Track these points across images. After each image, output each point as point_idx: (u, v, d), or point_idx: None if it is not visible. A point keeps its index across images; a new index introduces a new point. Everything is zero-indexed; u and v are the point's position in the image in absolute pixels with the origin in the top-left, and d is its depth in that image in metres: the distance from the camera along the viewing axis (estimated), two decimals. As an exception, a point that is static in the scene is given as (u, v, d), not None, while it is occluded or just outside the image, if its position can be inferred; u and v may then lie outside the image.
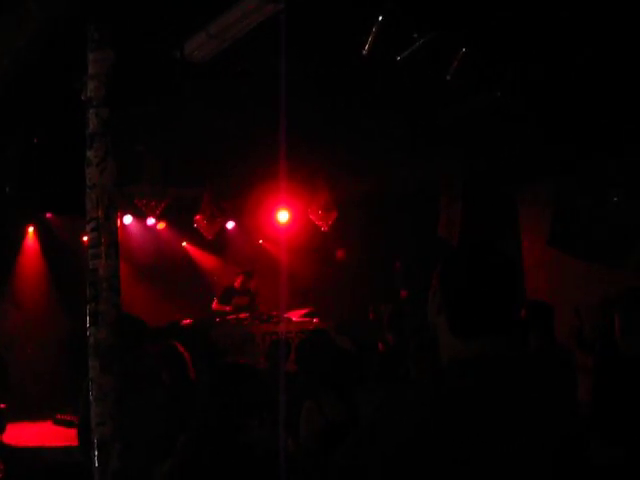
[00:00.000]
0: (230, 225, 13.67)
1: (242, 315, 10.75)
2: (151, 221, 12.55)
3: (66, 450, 6.89)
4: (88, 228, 2.74)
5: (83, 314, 2.84)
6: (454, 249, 2.07)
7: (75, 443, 6.61)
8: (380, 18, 5.71)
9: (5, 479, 6.12)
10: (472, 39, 5.97)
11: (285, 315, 10.78)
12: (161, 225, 13.23)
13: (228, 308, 11.21)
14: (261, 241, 14.14)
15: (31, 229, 12.08)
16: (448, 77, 6.34)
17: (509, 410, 1.94)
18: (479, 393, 1.95)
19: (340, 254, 12.15)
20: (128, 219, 12.36)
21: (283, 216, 12.22)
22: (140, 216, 12.25)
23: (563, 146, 8.59)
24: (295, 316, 11.00)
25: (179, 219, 12.91)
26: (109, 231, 2.72)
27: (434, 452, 1.86)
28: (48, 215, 11.81)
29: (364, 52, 5.89)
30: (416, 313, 10.14)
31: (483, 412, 1.92)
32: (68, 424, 8.16)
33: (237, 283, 11.71)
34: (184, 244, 14.19)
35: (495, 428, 1.90)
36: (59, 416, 8.75)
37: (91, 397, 2.75)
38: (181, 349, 5.65)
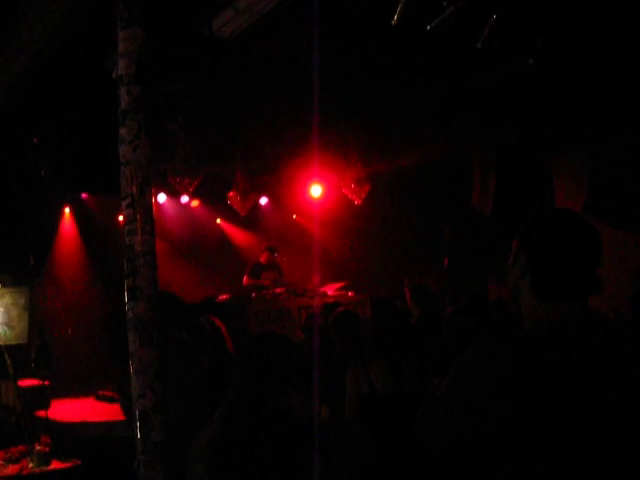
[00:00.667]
0: (263, 201, 13.71)
1: (278, 290, 10.82)
2: (185, 199, 12.63)
3: (108, 425, 7.03)
4: (123, 204, 2.78)
5: (121, 293, 2.88)
6: (536, 214, 2.07)
7: (116, 418, 6.76)
8: (409, -13, 5.67)
9: (52, 453, 6.25)
10: (503, 5, 5.89)
11: (320, 289, 10.82)
12: (195, 203, 13.31)
13: (258, 282, 11.31)
14: (295, 216, 14.17)
15: (67, 210, 12.22)
16: (479, 45, 6.26)
17: (596, 368, 1.99)
18: (565, 352, 2.00)
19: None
20: (162, 198, 12.46)
21: (316, 190, 12.21)
22: (174, 194, 12.32)
23: (598, 114, 8.47)
24: (330, 290, 11.03)
25: (213, 196, 12.96)
26: (144, 207, 2.75)
27: (524, 404, 1.94)
28: (84, 196, 11.94)
29: (393, 22, 5.84)
30: (456, 280, 10.18)
31: (571, 370, 1.98)
32: (109, 400, 8.30)
33: (263, 258, 11.81)
34: (218, 221, 14.26)
35: (585, 386, 1.96)
36: (100, 392, 8.89)
37: (131, 370, 2.80)
38: (219, 324, 5.71)
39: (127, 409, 5.19)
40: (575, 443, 1.93)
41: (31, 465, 6.29)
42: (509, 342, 2.12)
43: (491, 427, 2.00)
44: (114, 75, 2.84)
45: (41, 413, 7.15)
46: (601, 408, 1.95)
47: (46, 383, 7.89)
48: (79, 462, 6.26)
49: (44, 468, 6.21)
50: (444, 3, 5.80)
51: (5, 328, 9.53)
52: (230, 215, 13.25)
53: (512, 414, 1.96)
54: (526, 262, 2.14)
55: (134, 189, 2.74)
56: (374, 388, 4.76)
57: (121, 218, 2.94)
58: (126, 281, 2.77)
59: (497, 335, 2.23)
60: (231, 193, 11.82)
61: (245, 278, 11.65)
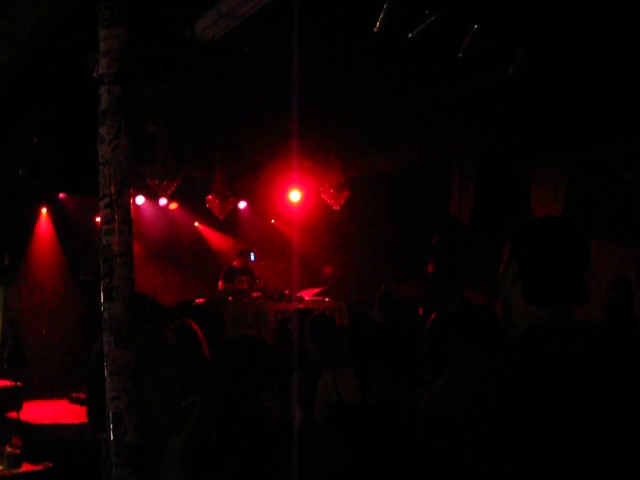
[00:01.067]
0: (242, 205, 13.69)
1: (255, 294, 10.80)
2: (163, 201, 12.58)
3: (80, 427, 6.98)
4: (101, 204, 2.76)
5: (96, 294, 2.86)
6: (527, 222, 2.14)
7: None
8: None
9: (23, 455, 6.20)
10: (484, 15, 5.93)
11: (297, 294, 10.82)
12: (173, 205, 13.25)
13: (234, 287, 11.27)
14: (273, 221, 14.16)
15: (44, 210, 12.14)
16: (460, 54, 6.30)
17: (588, 372, 2.04)
18: (557, 356, 2.05)
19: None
20: (140, 200, 12.41)
21: (295, 195, 12.22)
22: (152, 197, 12.28)
23: (575, 124, 8.55)
24: (307, 295, 11.04)
25: (191, 199, 12.92)
26: (122, 207, 2.74)
27: (518, 406, 1.99)
28: (61, 196, 11.86)
29: (375, 29, 5.86)
30: (441, 287, 10.23)
31: (564, 374, 2.02)
32: (82, 402, 8.25)
33: (237, 262, 11.77)
34: (196, 224, 14.22)
35: (576, 389, 2.00)
36: (74, 394, 8.84)
37: (106, 372, 2.78)
38: (195, 327, 5.70)
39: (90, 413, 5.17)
40: (563, 444, 1.98)
41: (1, 467, 6.23)
42: (504, 343, 2.18)
43: (486, 426, 2.04)
44: (95, 74, 2.83)
45: (13, 414, 7.09)
46: (585, 409, 1.99)
47: (19, 384, 7.82)
48: (50, 465, 6.21)
49: (14, 471, 6.15)
50: (426, 11, 5.84)
51: (-21, 327, 9.44)
52: (208, 218, 13.21)
53: (505, 413, 2.01)
54: (518, 269, 2.18)
55: (112, 189, 2.72)
56: (341, 397, 4.78)
57: (98, 219, 2.94)
58: (102, 281, 2.75)
59: (490, 338, 2.28)
60: (210, 196, 11.80)
61: (220, 283, 11.60)
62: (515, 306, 2.21)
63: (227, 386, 2.85)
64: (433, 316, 4.60)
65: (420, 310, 7.88)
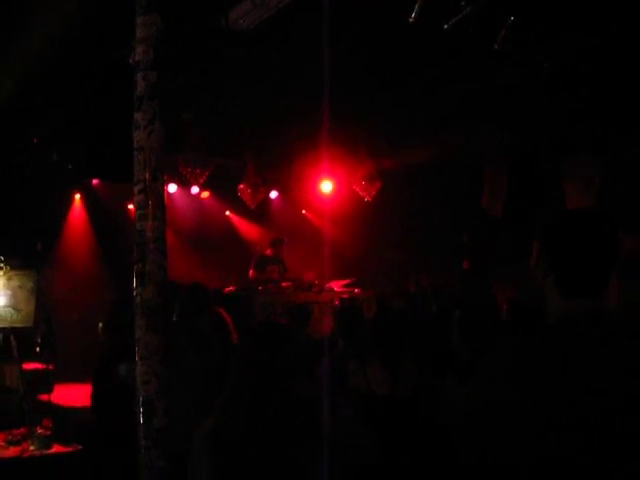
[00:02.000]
0: (273, 195, 13.72)
1: (284, 284, 10.81)
2: (195, 190, 12.63)
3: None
4: (135, 190, 2.78)
5: (129, 280, 2.89)
6: (555, 215, 2.15)
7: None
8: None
9: (53, 436, 6.27)
10: (521, 7, 5.88)
11: (327, 285, 10.82)
12: (205, 194, 13.31)
13: (265, 276, 11.26)
14: (304, 211, 14.17)
15: (77, 196, 12.25)
16: (496, 46, 6.26)
17: (618, 366, 2.03)
18: (588, 348, 2.06)
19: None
20: (173, 188, 12.47)
21: (326, 186, 12.21)
22: (184, 185, 12.34)
23: (610, 121, 8.45)
24: (337, 286, 11.03)
25: (223, 188, 12.97)
26: (156, 193, 2.76)
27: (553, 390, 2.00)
28: (94, 182, 11.96)
29: (411, 20, 5.84)
30: (476, 282, 10.18)
31: (594, 367, 2.02)
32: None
33: (269, 251, 11.74)
34: (227, 213, 14.27)
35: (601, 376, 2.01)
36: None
37: (137, 355, 2.81)
38: (225, 315, 5.71)
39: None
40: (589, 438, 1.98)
41: (32, 448, 6.30)
42: (535, 338, 2.17)
43: (519, 421, 2.05)
44: (131, 61, 2.85)
45: (44, 397, 7.18)
46: (612, 401, 1.99)
47: (50, 367, 7.92)
48: (80, 447, 6.27)
49: (45, 451, 6.22)
50: (462, 3, 5.80)
51: (12, 311, 9.57)
52: (240, 207, 13.26)
53: (538, 407, 2.02)
54: (549, 262, 2.18)
55: (147, 175, 2.74)
56: (371, 390, 4.75)
57: (131, 206, 2.96)
58: (135, 266, 2.78)
59: (522, 333, 2.28)
60: (241, 185, 11.83)
61: (251, 271, 11.60)
62: (548, 299, 2.21)
63: (251, 373, 2.85)
64: (460, 310, 4.60)
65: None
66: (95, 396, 5.38)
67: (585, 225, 2.19)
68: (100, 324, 6.87)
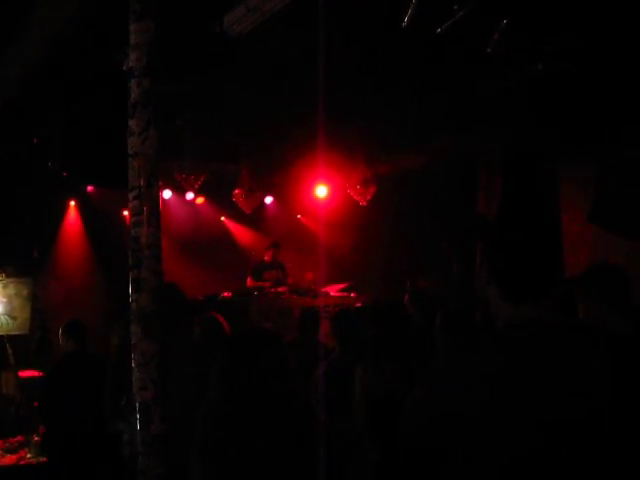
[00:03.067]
0: (269, 200, 13.72)
1: (280, 288, 10.82)
2: (190, 196, 12.64)
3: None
4: (130, 196, 2.78)
5: (124, 286, 2.89)
6: (494, 223, 2.15)
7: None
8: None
9: (46, 442, 6.27)
10: (513, 10, 5.89)
11: (323, 289, 10.83)
12: (200, 200, 13.32)
13: (262, 283, 11.23)
14: (299, 216, 14.18)
15: (72, 203, 12.26)
16: (489, 50, 6.27)
17: (556, 373, 2.02)
18: (527, 356, 2.04)
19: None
20: (167, 194, 12.47)
21: (321, 191, 12.23)
22: (179, 191, 12.35)
23: (605, 122, 8.46)
24: (332, 290, 11.04)
25: (218, 194, 12.99)
26: (151, 199, 2.76)
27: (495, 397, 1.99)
28: (89, 189, 11.96)
29: (404, 24, 5.85)
30: (465, 285, 10.19)
31: (534, 374, 2.01)
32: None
33: (267, 256, 11.73)
34: (223, 219, 14.27)
35: (537, 385, 1.99)
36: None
37: (133, 362, 2.81)
38: (221, 320, 5.71)
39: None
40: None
41: (29, 455, 6.31)
42: (479, 345, 2.18)
43: (459, 429, 2.04)
44: (125, 67, 2.85)
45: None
46: (549, 411, 1.99)
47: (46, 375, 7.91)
48: (77, 454, 6.26)
49: (41, 459, 6.23)
50: (455, 7, 5.81)
51: (7, 318, 9.56)
52: (235, 213, 13.27)
53: (479, 413, 2.01)
54: (489, 268, 2.17)
55: (142, 181, 2.74)
56: (388, 392, 4.72)
57: (126, 213, 2.96)
58: (131, 273, 2.77)
59: (466, 341, 2.27)
60: (236, 191, 11.83)
61: (249, 280, 11.58)
62: (492, 304, 2.20)
63: (226, 383, 2.87)
64: (440, 313, 4.60)
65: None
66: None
67: (519, 228, 2.18)
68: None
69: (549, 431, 1.96)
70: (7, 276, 9.96)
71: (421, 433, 2.12)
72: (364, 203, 11.67)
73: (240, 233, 14.35)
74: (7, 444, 6.54)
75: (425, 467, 2.12)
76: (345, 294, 10.98)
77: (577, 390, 2.00)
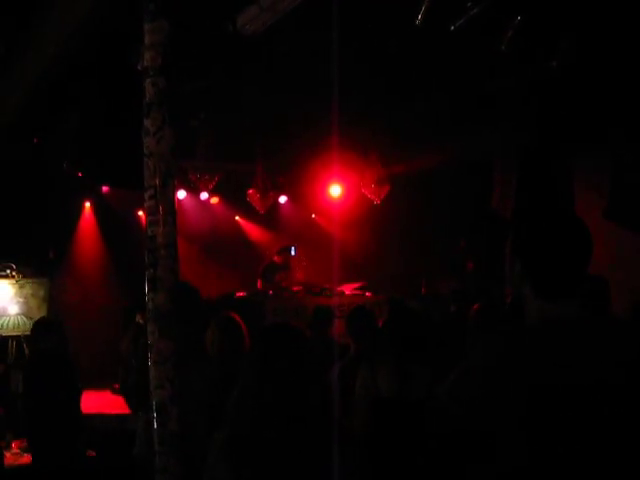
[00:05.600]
0: (283, 199, 13.73)
1: (295, 288, 10.82)
2: (204, 196, 12.67)
3: (123, 417, 7.08)
4: (146, 196, 2.79)
5: (140, 286, 2.90)
6: (522, 218, 2.12)
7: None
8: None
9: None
10: (527, 7, 5.86)
11: (338, 289, 10.82)
12: (214, 200, 13.35)
13: (271, 285, 11.20)
14: (314, 215, 14.18)
15: (87, 204, 12.32)
16: (503, 47, 6.24)
17: (601, 367, 2.02)
18: (571, 350, 2.04)
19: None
20: (182, 194, 12.51)
21: (335, 190, 12.22)
22: (193, 191, 12.39)
23: (620, 119, 8.42)
24: (347, 290, 11.03)
25: (232, 193, 13.01)
26: (166, 199, 2.77)
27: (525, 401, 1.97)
28: (104, 190, 12.01)
29: (417, 22, 5.83)
30: (481, 284, 10.17)
31: (576, 369, 2.01)
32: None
33: (278, 259, 11.70)
34: (237, 218, 14.30)
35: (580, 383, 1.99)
36: (116, 385, 8.95)
37: (150, 361, 2.82)
38: (239, 320, 5.71)
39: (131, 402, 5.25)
40: (573, 443, 1.97)
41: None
42: (517, 337, 2.16)
43: (496, 421, 2.04)
44: (139, 67, 2.86)
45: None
46: (596, 405, 1.98)
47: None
48: (93, 453, 6.29)
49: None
50: (468, 4, 5.79)
51: (24, 318, 9.62)
52: (249, 213, 13.30)
53: (515, 407, 2.00)
54: (522, 267, 2.17)
55: (157, 181, 2.76)
56: (380, 393, 4.73)
57: (141, 213, 2.96)
58: (147, 272, 2.79)
59: (502, 334, 2.26)
60: (251, 190, 11.85)
61: (259, 281, 11.55)
62: (528, 304, 2.20)
63: (265, 379, 2.81)
64: (476, 307, 4.57)
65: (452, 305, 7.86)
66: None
67: (551, 224, 2.18)
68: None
69: (609, 427, 1.96)
70: (23, 277, 10.02)
71: (469, 418, 2.12)
72: (378, 202, 11.65)
73: (254, 233, 14.37)
74: (24, 444, 6.55)
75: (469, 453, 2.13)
76: (360, 293, 10.96)
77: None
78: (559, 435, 1.96)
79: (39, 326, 6.57)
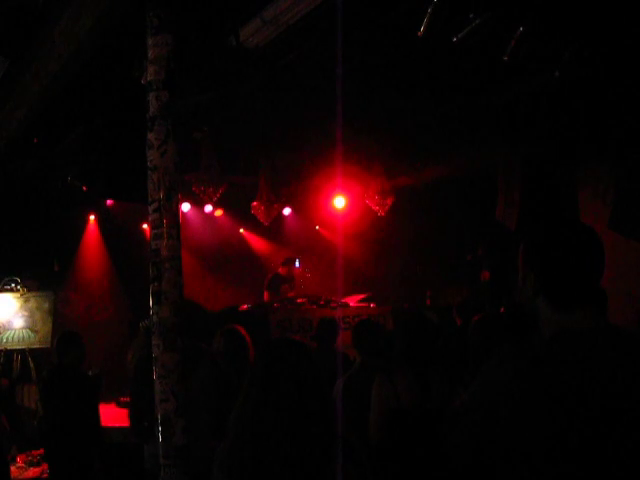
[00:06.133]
0: (287, 211, 13.74)
1: (300, 300, 10.81)
2: (209, 208, 12.69)
3: (128, 430, 7.06)
4: (150, 209, 2.80)
5: (144, 299, 2.89)
6: (533, 231, 2.11)
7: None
8: (435, -1, 5.67)
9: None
10: (529, 18, 5.87)
11: (342, 300, 10.81)
12: (218, 212, 13.37)
13: (278, 297, 11.23)
14: (318, 227, 14.19)
15: (92, 217, 12.34)
16: (505, 58, 6.25)
17: (622, 380, 1.99)
18: (592, 363, 2.01)
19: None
20: (186, 207, 12.53)
21: (339, 202, 12.23)
22: (198, 204, 12.40)
23: (623, 129, 8.42)
24: (352, 301, 11.02)
25: (236, 206, 13.02)
26: (170, 212, 2.78)
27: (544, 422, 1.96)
28: (109, 203, 12.04)
29: (420, 34, 5.84)
30: (496, 293, 10.15)
31: (598, 381, 1.98)
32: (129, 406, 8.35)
33: (283, 271, 11.74)
34: (241, 231, 14.31)
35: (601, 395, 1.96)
36: (122, 399, 8.95)
37: (155, 374, 2.82)
38: (244, 333, 5.72)
39: (133, 417, 5.25)
40: (597, 457, 1.94)
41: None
42: (533, 355, 2.12)
43: (515, 440, 2.02)
44: (143, 81, 2.87)
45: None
46: (618, 418, 1.95)
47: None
48: (99, 466, 6.29)
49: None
50: (470, 15, 5.80)
51: (29, 332, 9.63)
52: (253, 225, 13.30)
53: (537, 427, 1.98)
54: (537, 279, 2.16)
55: (161, 194, 2.76)
56: (401, 403, 4.68)
57: (145, 226, 2.95)
58: (151, 285, 2.79)
59: (520, 348, 2.23)
60: (255, 203, 11.86)
61: (265, 293, 11.58)
62: (542, 316, 2.18)
63: (266, 392, 2.81)
64: (476, 318, 4.55)
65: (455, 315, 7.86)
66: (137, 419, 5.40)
67: (563, 236, 2.17)
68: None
69: (631, 444, 1.93)
70: (28, 290, 10.04)
71: (481, 444, 2.10)
72: (382, 213, 11.65)
73: (259, 245, 14.38)
74: (30, 457, 6.56)
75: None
76: (365, 304, 10.95)
77: None
78: (585, 450, 1.94)
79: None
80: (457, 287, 11.23)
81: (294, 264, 11.81)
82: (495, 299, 9.61)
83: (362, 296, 11.26)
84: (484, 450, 2.11)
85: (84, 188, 9.06)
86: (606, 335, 2.09)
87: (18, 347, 9.68)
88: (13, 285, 10.14)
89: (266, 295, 11.47)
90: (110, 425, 7.52)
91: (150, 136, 2.82)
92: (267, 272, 12.61)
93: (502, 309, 6.66)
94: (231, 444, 2.85)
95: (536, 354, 2.11)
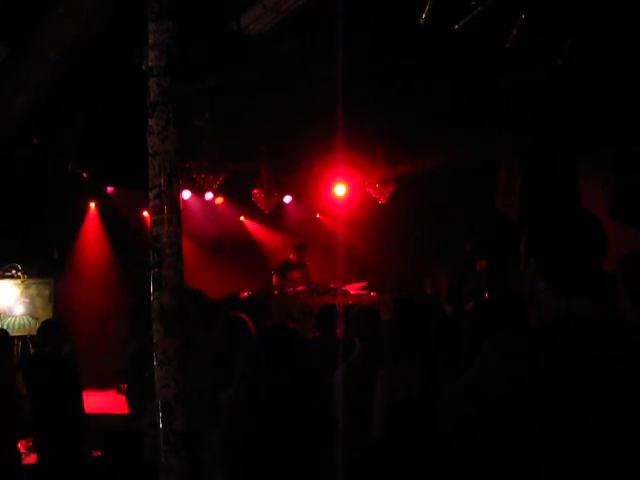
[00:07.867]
0: (287, 199, 13.73)
1: (300, 288, 10.82)
2: (209, 196, 12.67)
3: (128, 417, 7.07)
4: (151, 195, 2.79)
5: (145, 287, 2.89)
6: (535, 216, 2.11)
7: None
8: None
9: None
10: (531, 5, 5.85)
11: (342, 288, 10.82)
12: (219, 200, 13.35)
13: (286, 282, 11.24)
14: (318, 215, 14.18)
15: (92, 205, 12.34)
16: (507, 45, 6.23)
17: (618, 364, 2.00)
18: (588, 347, 2.03)
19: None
20: (187, 194, 12.51)
21: (340, 189, 12.22)
22: (198, 191, 12.39)
23: (624, 116, 8.39)
24: (352, 289, 11.03)
25: (237, 193, 13.01)
26: (171, 198, 2.77)
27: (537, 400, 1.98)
28: (109, 190, 12.02)
29: (421, 21, 5.83)
30: (494, 283, 10.14)
31: (593, 365, 2.00)
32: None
33: (293, 257, 11.74)
34: (242, 218, 14.30)
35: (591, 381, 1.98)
36: (122, 385, 8.97)
37: (155, 361, 2.81)
38: (247, 320, 5.71)
39: (132, 402, 5.26)
40: (593, 446, 1.95)
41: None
42: (532, 336, 2.15)
43: (508, 420, 2.03)
44: (144, 67, 2.86)
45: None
46: (618, 407, 1.96)
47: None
48: (99, 453, 6.31)
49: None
50: (472, 3, 5.78)
51: (29, 319, 9.65)
52: (254, 213, 13.29)
53: (531, 406, 1.99)
54: (538, 265, 2.16)
55: (162, 180, 2.75)
56: (409, 394, 4.65)
57: (145, 213, 2.96)
58: (152, 271, 2.78)
59: (518, 331, 2.24)
60: (255, 190, 11.85)
61: (274, 278, 11.56)
62: (543, 302, 2.19)
63: (264, 379, 2.82)
64: (469, 306, 4.54)
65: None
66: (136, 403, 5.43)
67: (565, 222, 2.17)
68: None
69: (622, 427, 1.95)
70: (29, 277, 10.05)
71: (480, 418, 2.12)
72: (383, 201, 11.64)
73: (259, 233, 14.37)
74: (30, 444, 6.57)
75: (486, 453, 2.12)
76: (365, 292, 10.96)
77: None
78: (582, 439, 1.95)
79: (42, 329, 6.63)
80: (457, 275, 11.21)
81: (305, 250, 11.77)
82: (492, 287, 9.61)
83: (362, 284, 11.27)
84: (482, 431, 2.12)
85: (84, 175, 9.04)
86: (607, 320, 2.10)
87: (19, 334, 9.69)
88: (14, 272, 10.15)
89: (275, 279, 11.46)
90: (110, 412, 7.54)
91: (151, 122, 2.81)
92: (269, 258, 12.61)
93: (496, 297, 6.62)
94: (226, 433, 2.87)
95: (535, 337, 2.12)
